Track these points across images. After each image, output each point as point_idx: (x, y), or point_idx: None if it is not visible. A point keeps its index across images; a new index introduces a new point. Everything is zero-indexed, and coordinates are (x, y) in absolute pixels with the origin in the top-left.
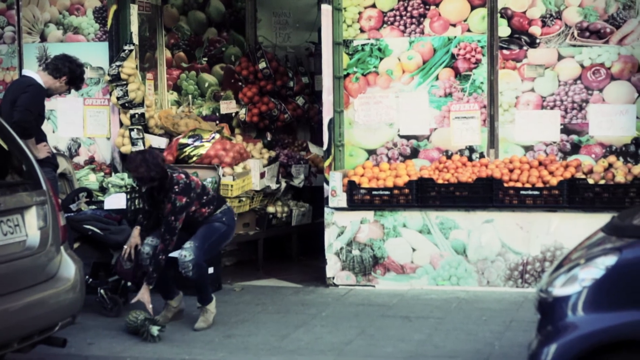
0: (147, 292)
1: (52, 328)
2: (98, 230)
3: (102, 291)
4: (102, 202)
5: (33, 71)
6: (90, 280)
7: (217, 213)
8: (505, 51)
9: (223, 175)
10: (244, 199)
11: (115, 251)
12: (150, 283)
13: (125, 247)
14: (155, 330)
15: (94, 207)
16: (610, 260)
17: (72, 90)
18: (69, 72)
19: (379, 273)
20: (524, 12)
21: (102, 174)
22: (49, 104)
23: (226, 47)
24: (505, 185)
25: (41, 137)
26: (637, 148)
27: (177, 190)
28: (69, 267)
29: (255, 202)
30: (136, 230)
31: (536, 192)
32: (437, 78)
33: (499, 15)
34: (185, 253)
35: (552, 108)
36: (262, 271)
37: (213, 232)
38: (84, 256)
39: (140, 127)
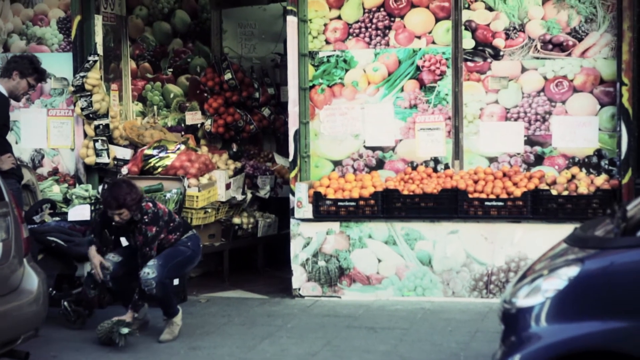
0: (131, 317)
1: (14, 341)
2: (62, 242)
3: (65, 303)
4: (66, 213)
5: None
6: (54, 292)
7: (183, 238)
8: (469, 63)
9: (188, 187)
10: (209, 210)
11: (79, 263)
12: (137, 310)
13: (92, 272)
14: (125, 330)
15: (57, 218)
16: (573, 271)
17: (37, 101)
18: (18, 65)
19: (344, 284)
20: (488, 25)
21: (66, 185)
22: (13, 114)
23: (192, 58)
24: (470, 196)
25: (6, 148)
26: (600, 159)
27: (146, 220)
28: (31, 279)
29: (221, 214)
30: (93, 250)
31: (500, 203)
32: (402, 89)
33: (463, 27)
34: (149, 270)
35: (515, 120)
36: (228, 282)
37: (178, 254)
38: (47, 268)
39: (104, 138)
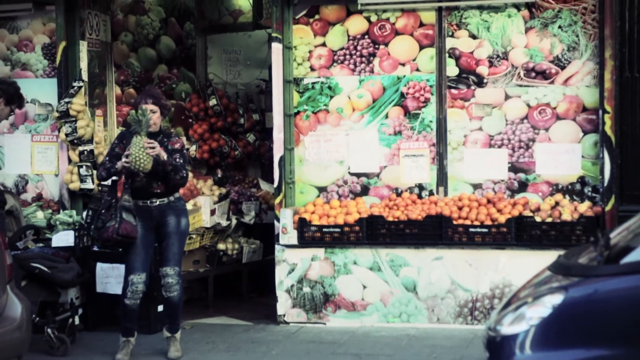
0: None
1: None
2: (45, 269)
3: (49, 330)
4: (50, 239)
5: None
6: (37, 319)
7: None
8: (453, 90)
9: None
10: (194, 236)
11: (62, 289)
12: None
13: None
14: None
15: (41, 244)
16: (557, 299)
17: (21, 127)
18: (4, 92)
19: (329, 310)
20: (472, 53)
21: (50, 211)
22: None
23: (176, 84)
24: (455, 222)
25: None
26: (583, 186)
27: (175, 139)
28: (14, 306)
29: (206, 239)
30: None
31: (485, 230)
32: (386, 116)
33: (447, 55)
34: (172, 280)
35: (499, 147)
36: (213, 309)
37: (182, 241)
38: (30, 294)
39: (89, 164)
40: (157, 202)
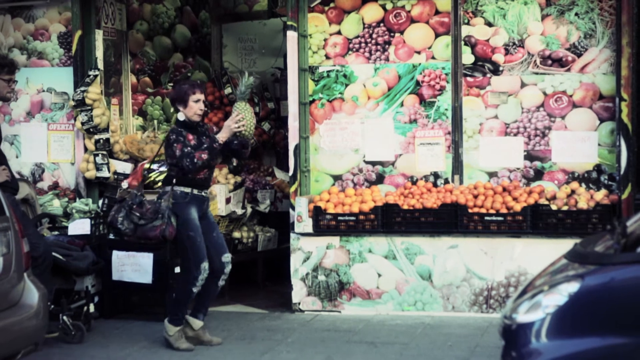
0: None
1: (14, 356)
2: (60, 257)
3: (64, 318)
4: (66, 227)
5: None
6: (52, 306)
7: None
8: (469, 78)
9: None
10: None
11: (77, 277)
12: None
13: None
14: None
15: (56, 232)
16: (573, 287)
17: (37, 116)
18: None
19: (344, 298)
20: (487, 40)
21: (66, 199)
22: (13, 129)
23: (192, 73)
24: (470, 211)
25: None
26: (599, 174)
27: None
28: (32, 294)
29: (221, 228)
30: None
31: (500, 218)
32: (402, 104)
33: (462, 43)
34: (230, 267)
35: (515, 135)
36: (228, 297)
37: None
38: (46, 282)
39: (105, 153)
40: (207, 194)
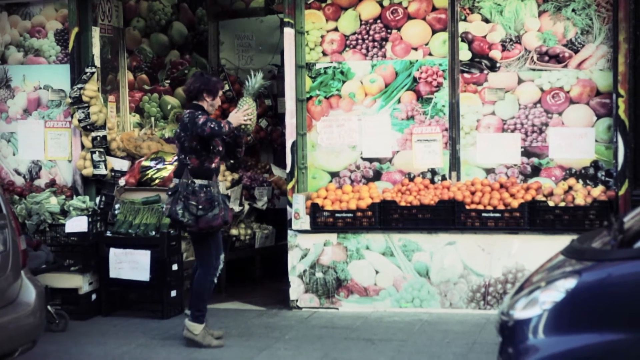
0: None
1: (11, 354)
2: None
3: (49, 307)
4: (64, 225)
5: None
6: None
7: None
8: (466, 75)
9: None
10: None
11: None
12: None
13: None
14: None
15: None
16: (570, 283)
17: (34, 113)
18: None
19: (342, 295)
20: (484, 37)
21: (64, 196)
22: (10, 126)
23: (189, 70)
24: (467, 207)
25: None
26: (596, 171)
27: None
28: (29, 291)
29: None
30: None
31: (497, 215)
32: (399, 101)
33: (459, 39)
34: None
35: (512, 131)
36: (225, 294)
37: None
38: None
39: (102, 150)
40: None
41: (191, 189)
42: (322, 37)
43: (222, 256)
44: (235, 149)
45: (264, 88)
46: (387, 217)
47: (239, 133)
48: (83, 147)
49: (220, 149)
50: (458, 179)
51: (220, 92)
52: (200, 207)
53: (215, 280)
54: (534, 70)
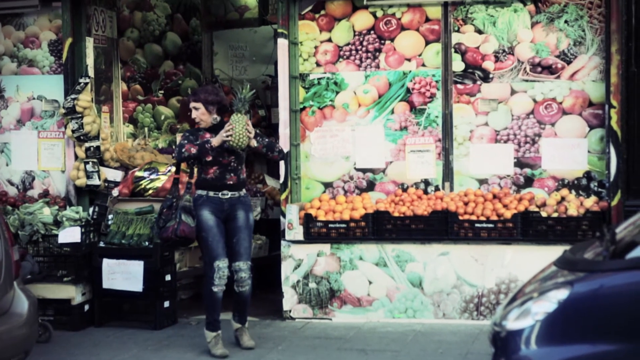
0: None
1: None
2: None
3: None
4: (57, 235)
5: None
6: None
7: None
8: (459, 85)
9: None
10: None
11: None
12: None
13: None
14: None
15: None
16: (562, 294)
17: (28, 123)
18: None
19: (335, 306)
20: (478, 48)
21: (57, 207)
22: (3, 136)
23: (182, 80)
24: (460, 218)
25: None
26: (589, 181)
27: None
28: (21, 302)
29: None
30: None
31: (491, 225)
32: (392, 112)
33: (453, 50)
34: (245, 275)
35: (505, 142)
36: None
37: (251, 236)
38: None
39: (95, 160)
40: (229, 195)
41: (168, 203)
42: (316, 47)
43: (222, 263)
44: (268, 154)
45: (257, 98)
46: (380, 227)
47: (230, 148)
48: (76, 157)
49: (209, 159)
50: (451, 189)
51: None
52: (165, 219)
53: (220, 289)
54: (526, 81)
